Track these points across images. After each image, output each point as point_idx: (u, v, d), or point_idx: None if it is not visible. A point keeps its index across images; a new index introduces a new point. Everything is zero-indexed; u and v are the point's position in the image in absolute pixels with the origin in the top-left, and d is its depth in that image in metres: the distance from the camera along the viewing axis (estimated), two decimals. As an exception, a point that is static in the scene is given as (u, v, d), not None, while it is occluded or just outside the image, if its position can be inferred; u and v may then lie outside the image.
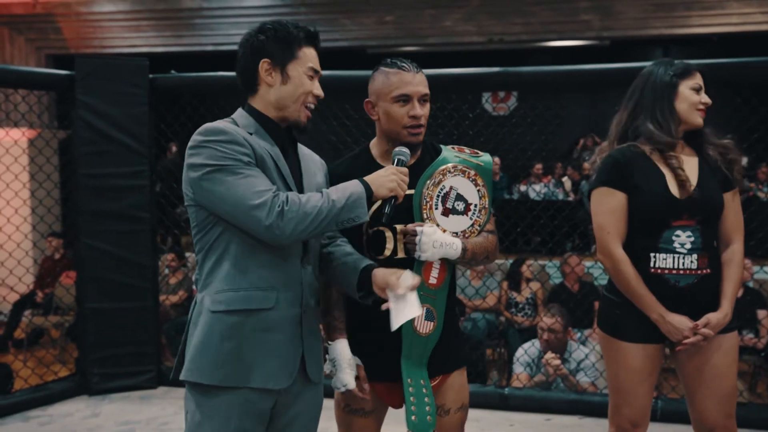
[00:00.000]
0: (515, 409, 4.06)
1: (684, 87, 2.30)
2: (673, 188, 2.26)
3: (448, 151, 2.15)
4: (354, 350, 2.11)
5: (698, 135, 2.35)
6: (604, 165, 2.34)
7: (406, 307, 1.85)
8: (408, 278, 1.85)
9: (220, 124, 1.82)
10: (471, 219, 2.10)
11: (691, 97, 2.30)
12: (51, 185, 4.99)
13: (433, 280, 2.07)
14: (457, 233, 2.08)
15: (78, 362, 4.57)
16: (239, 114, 1.91)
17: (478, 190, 2.11)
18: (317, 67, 1.92)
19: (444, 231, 2.05)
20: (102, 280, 4.34)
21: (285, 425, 1.92)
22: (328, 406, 2.29)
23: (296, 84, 1.88)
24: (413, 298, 1.85)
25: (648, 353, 2.31)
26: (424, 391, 2.08)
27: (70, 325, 6.26)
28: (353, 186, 1.84)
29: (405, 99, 2.03)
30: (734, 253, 2.31)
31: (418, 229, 1.99)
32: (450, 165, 2.09)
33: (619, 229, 2.30)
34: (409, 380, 2.07)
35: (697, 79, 2.32)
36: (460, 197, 2.09)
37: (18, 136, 5.12)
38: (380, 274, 1.88)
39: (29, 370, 4.75)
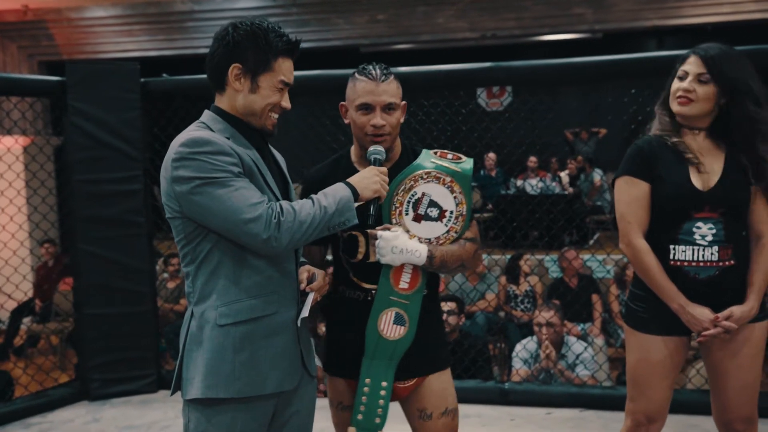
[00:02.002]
0: (516, 404, 4.06)
1: (676, 73, 2.26)
2: (696, 180, 2.21)
3: (426, 156, 2.13)
4: (332, 349, 2.17)
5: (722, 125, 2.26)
6: (629, 154, 2.31)
7: (305, 305, 1.89)
8: (314, 278, 1.91)
9: (204, 134, 1.76)
10: (446, 226, 2.09)
11: (674, 84, 2.26)
12: (46, 192, 4.97)
13: (404, 285, 2.07)
14: (430, 239, 2.08)
15: (78, 368, 4.57)
16: (210, 117, 1.87)
17: (455, 197, 2.09)
18: (289, 80, 1.86)
19: (413, 237, 2.06)
20: (100, 285, 4.33)
21: (284, 422, 1.93)
22: (325, 405, 2.29)
23: (264, 95, 1.83)
24: (309, 299, 1.88)
25: (669, 347, 2.28)
26: (381, 393, 2.08)
27: (69, 331, 6.26)
28: (341, 190, 1.85)
29: (367, 108, 2.04)
30: (764, 246, 2.24)
31: (379, 233, 2.01)
32: (422, 171, 2.08)
33: (640, 218, 2.26)
34: (367, 380, 2.08)
35: (686, 65, 2.23)
36: (433, 203, 2.08)
37: (11, 144, 5.11)
38: (303, 267, 1.94)
39: (29, 377, 4.74)
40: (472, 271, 5.64)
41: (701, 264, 2.20)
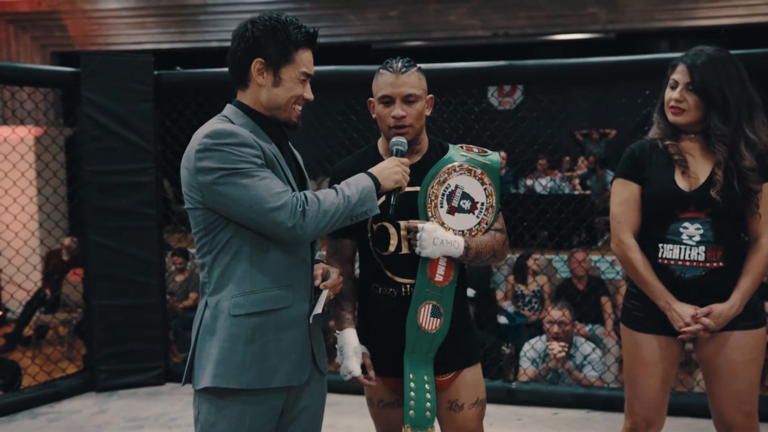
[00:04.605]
0: (523, 404, 4.06)
1: (668, 80, 2.28)
2: (681, 181, 2.23)
3: (455, 150, 2.17)
4: (368, 348, 2.13)
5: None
6: (622, 157, 2.37)
7: (318, 302, 1.90)
8: (328, 276, 1.93)
9: (227, 126, 1.79)
10: (478, 217, 2.12)
11: (666, 93, 2.28)
12: (57, 182, 4.99)
13: (439, 278, 2.09)
14: (463, 231, 2.11)
15: (86, 359, 4.59)
16: (232, 111, 1.89)
17: (485, 189, 2.13)
18: (310, 71, 1.90)
19: (448, 229, 2.08)
20: (109, 276, 4.34)
21: (294, 418, 1.94)
22: (333, 401, 2.29)
23: (287, 88, 1.86)
24: (323, 296, 1.90)
25: (661, 345, 2.29)
26: (426, 387, 2.10)
27: (78, 322, 6.28)
28: (363, 180, 1.88)
29: (387, 100, 2.08)
30: (759, 247, 2.24)
31: (419, 225, 2.03)
32: (455, 164, 2.11)
33: (630, 219, 2.31)
34: (411, 375, 2.10)
35: (675, 74, 2.25)
36: (466, 196, 2.11)
37: (24, 134, 5.14)
38: (317, 264, 1.97)
39: (37, 368, 4.76)
40: (501, 261, 5.64)
41: (687, 263, 2.22)
